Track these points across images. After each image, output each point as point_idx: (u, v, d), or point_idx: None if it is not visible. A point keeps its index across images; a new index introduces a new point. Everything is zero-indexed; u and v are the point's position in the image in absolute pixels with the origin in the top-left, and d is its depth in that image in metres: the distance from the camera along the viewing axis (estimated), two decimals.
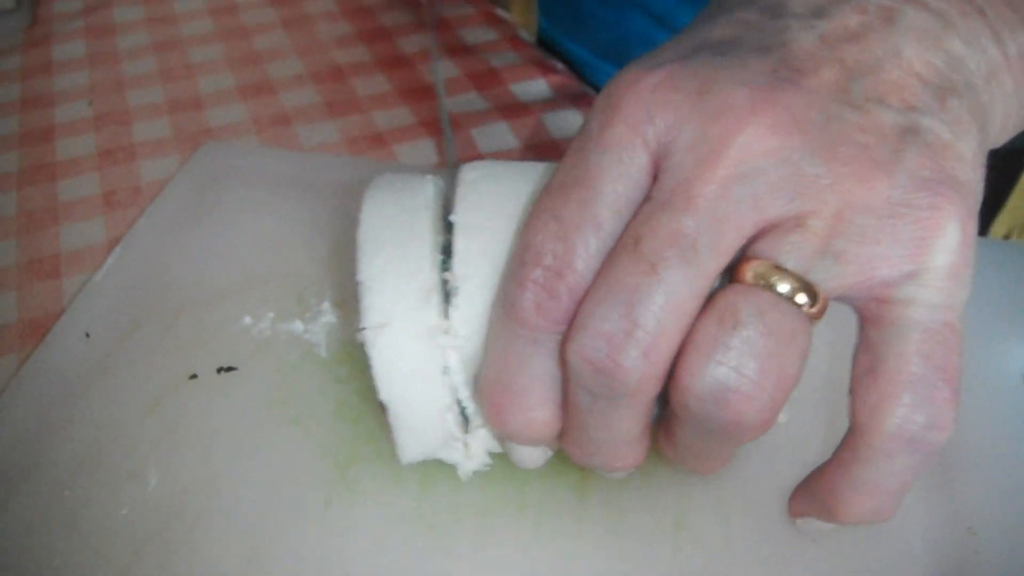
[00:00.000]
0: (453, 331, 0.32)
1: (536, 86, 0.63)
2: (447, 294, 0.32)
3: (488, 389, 0.30)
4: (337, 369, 0.41)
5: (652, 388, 0.26)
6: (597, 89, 0.72)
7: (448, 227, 0.36)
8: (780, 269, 0.25)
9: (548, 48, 0.73)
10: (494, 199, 0.33)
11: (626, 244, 0.26)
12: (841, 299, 0.27)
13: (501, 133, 0.58)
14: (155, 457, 0.38)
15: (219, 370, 0.41)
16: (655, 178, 0.27)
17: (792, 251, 0.25)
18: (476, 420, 0.33)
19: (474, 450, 0.35)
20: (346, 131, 0.59)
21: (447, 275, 0.32)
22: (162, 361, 0.42)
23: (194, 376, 0.41)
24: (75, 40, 0.69)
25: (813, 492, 0.30)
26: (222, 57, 0.67)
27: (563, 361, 0.27)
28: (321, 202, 0.50)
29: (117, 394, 0.40)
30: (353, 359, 0.41)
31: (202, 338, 0.43)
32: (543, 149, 0.57)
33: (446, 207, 0.36)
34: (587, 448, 0.30)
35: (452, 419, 0.33)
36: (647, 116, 0.26)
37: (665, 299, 0.25)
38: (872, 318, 0.27)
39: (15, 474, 0.37)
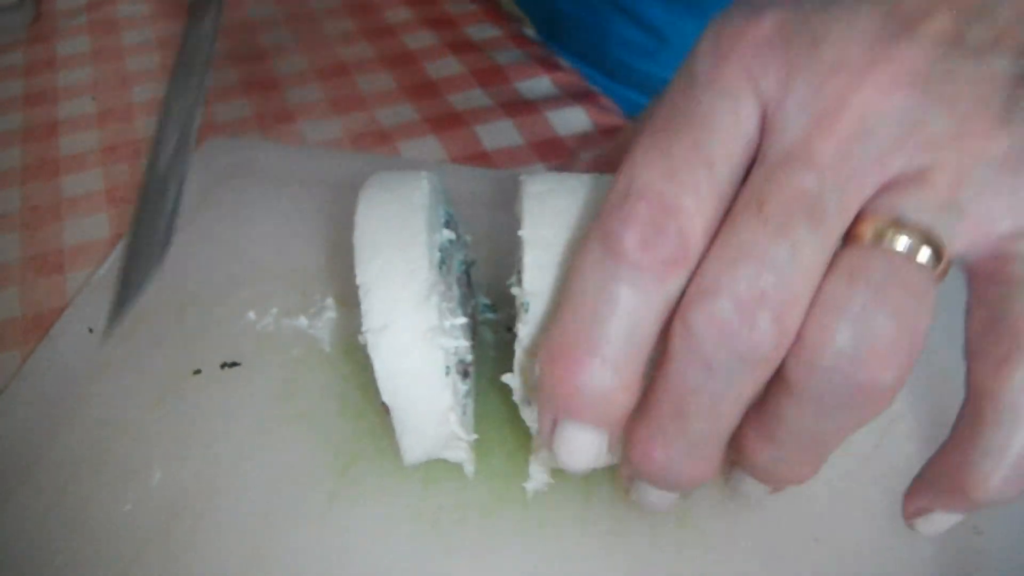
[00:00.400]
0: (521, 344, 0.31)
1: (541, 84, 0.63)
2: (517, 307, 0.32)
3: (567, 342, 0.26)
4: (341, 365, 0.41)
5: (779, 357, 0.25)
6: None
7: (447, 223, 0.36)
8: (903, 224, 0.24)
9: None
10: (562, 213, 0.32)
11: (749, 204, 0.25)
12: (960, 257, 0.26)
13: (506, 130, 0.58)
14: (158, 453, 0.38)
15: (223, 365, 0.41)
16: (764, 134, 0.26)
17: (914, 206, 0.24)
18: (537, 440, 0.33)
19: (534, 471, 0.35)
20: (351, 128, 0.59)
21: (516, 291, 0.32)
22: (166, 356, 0.41)
23: (198, 371, 0.41)
24: (79, 36, 0.68)
25: (935, 479, 0.28)
26: (226, 53, 0.66)
27: (679, 327, 0.25)
28: (325, 197, 0.50)
29: (120, 390, 0.40)
30: (357, 355, 0.41)
31: (206, 333, 0.42)
32: (549, 146, 0.56)
33: (447, 202, 0.36)
34: (670, 447, 0.27)
35: (455, 420, 0.33)
36: (761, 68, 0.25)
37: (796, 262, 0.24)
38: (989, 274, 0.26)
39: (18, 470, 0.37)
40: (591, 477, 0.37)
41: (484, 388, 0.39)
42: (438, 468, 0.37)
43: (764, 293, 0.24)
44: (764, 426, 0.27)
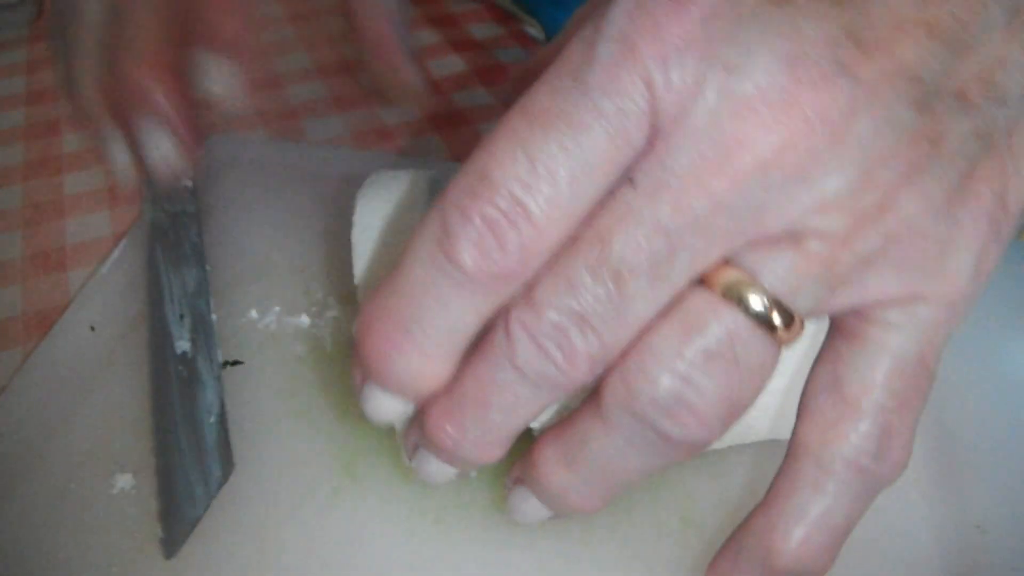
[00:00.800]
0: None
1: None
2: None
3: (383, 320, 0.25)
4: (343, 362, 0.41)
5: (584, 379, 0.24)
6: None
7: None
8: (759, 286, 0.23)
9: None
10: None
11: (596, 235, 0.23)
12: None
13: None
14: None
15: (225, 364, 0.41)
16: (645, 150, 0.23)
17: (779, 271, 0.23)
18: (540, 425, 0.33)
19: None
20: (353, 125, 0.58)
21: None
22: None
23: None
24: None
25: (743, 540, 0.27)
26: None
27: (500, 329, 0.24)
28: (328, 195, 0.50)
29: (122, 387, 0.40)
30: None
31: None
32: None
33: None
34: (464, 427, 0.26)
35: None
36: (665, 77, 0.22)
37: (626, 310, 0.23)
38: (847, 332, 0.25)
39: (21, 467, 0.37)
40: None
41: None
42: None
43: (588, 326, 0.23)
44: (566, 448, 0.26)
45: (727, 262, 0.23)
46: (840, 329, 0.25)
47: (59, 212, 0.52)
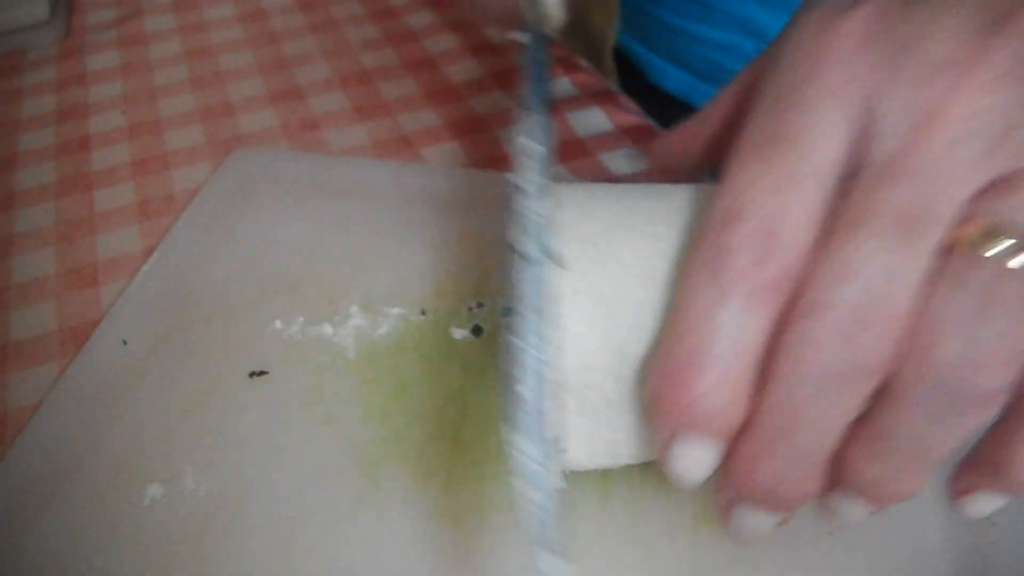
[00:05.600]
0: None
1: (561, 85, 0.63)
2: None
3: (679, 359, 0.26)
4: (365, 370, 0.42)
5: (885, 372, 0.24)
6: (659, 90, 0.72)
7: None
8: (1003, 229, 0.24)
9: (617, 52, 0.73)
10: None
11: (852, 218, 0.24)
12: None
13: None
14: (190, 460, 0.39)
15: (251, 374, 0.42)
16: (863, 139, 0.25)
17: (1017, 209, 0.24)
18: (558, 443, 0.33)
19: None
20: (374, 134, 0.59)
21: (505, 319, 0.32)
22: (196, 366, 0.43)
23: (227, 381, 0.42)
24: (108, 50, 0.70)
25: (981, 460, 0.27)
26: (252, 63, 0.68)
27: (785, 343, 0.25)
28: (350, 205, 0.51)
29: (153, 399, 0.41)
30: (380, 362, 0.42)
31: (234, 343, 0.44)
32: (568, 148, 0.57)
33: None
34: (777, 463, 0.26)
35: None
36: (853, 73, 0.25)
37: (900, 275, 0.24)
38: None
39: (58, 477, 0.38)
40: (608, 476, 0.37)
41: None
42: (458, 470, 0.38)
43: (869, 307, 0.24)
44: (870, 442, 0.26)
45: (970, 219, 0.24)
46: None
47: (90, 229, 0.53)
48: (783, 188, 0.25)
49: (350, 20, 0.73)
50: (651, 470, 0.35)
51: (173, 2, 0.77)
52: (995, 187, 0.24)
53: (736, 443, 0.26)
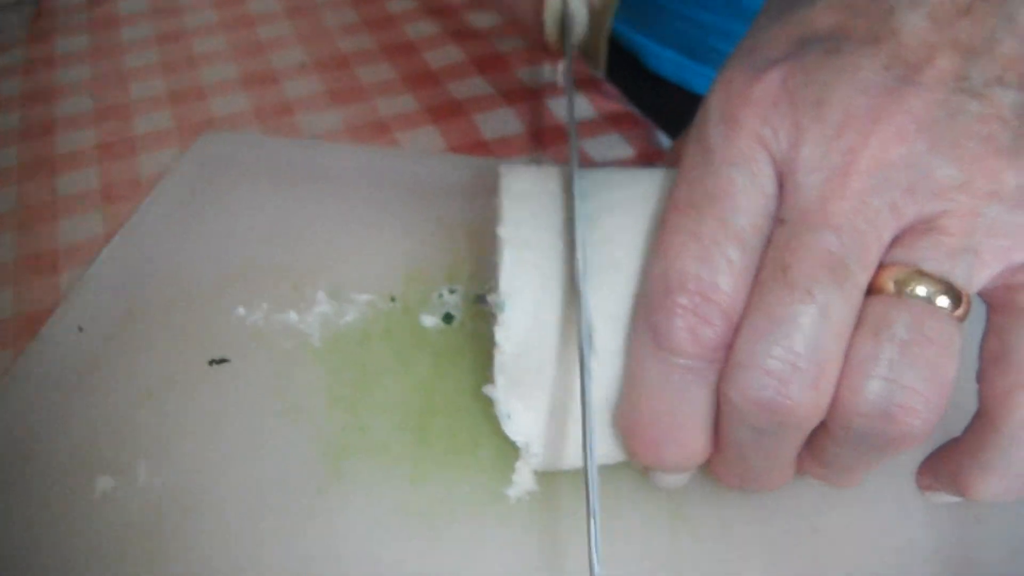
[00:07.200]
0: (499, 348, 0.32)
1: (543, 71, 0.62)
2: (493, 308, 0.32)
3: (641, 425, 0.29)
4: (330, 359, 0.40)
5: (820, 416, 0.26)
6: (658, 77, 0.71)
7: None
8: (920, 273, 0.25)
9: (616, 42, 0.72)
10: (540, 213, 0.33)
11: (774, 272, 0.26)
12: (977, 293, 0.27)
13: (506, 119, 0.57)
14: (145, 450, 0.37)
15: (211, 362, 0.40)
16: (781, 194, 0.27)
17: (931, 254, 0.25)
18: (526, 440, 0.33)
19: (522, 475, 0.35)
20: (349, 119, 0.58)
21: (490, 297, 0.32)
22: (154, 354, 0.41)
23: (186, 369, 0.40)
24: (79, 33, 0.68)
25: (940, 469, 0.29)
26: (226, 47, 0.66)
27: (723, 398, 0.27)
28: (320, 190, 0.49)
29: (108, 388, 0.40)
30: (346, 349, 0.41)
31: (195, 330, 0.42)
32: (550, 134, 0.55)
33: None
34: (743, 475, 0.30)
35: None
36: (771, 132, 0.26)
37: (825, 324, 0.25)
38: (1000, 305, 0.27)
39: (8, 468, 0.37)
40: (579, 473, 0.36)
41: (480, 381, 0.38)
42: (425, 463, 0.36)
43: (796, 360, 0.25)
44: (814, 453, 0.29)
45: (886, 265, 0.26)
46: (995, 306, 0.27)
47: (52, 214, 0.51)
48: (711, 254, 0.26)
49: (328, 4, 0.71)
50: (627, 465, 0.34)
51: None
52: (909, 233, 0.26)
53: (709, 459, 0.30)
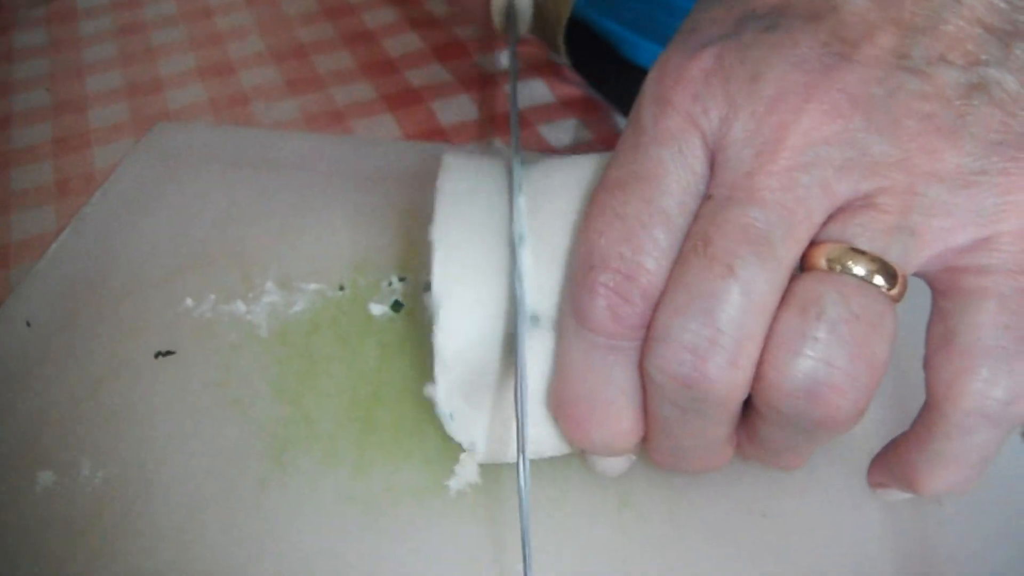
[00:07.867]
0: (438, 354, 0.32)
1: (501, 58, 0.62)
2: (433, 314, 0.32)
3: (568, 404, 0.29)
4: (277, 349, 0.40)
5: (742, 394, 0.25)
6: (632, 65, 0.71)
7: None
8: (854, 251, 0.25)
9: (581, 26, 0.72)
10: (471, 215, 0.33)
11: (696, 246, 0.25)
12: (915, 274, 0.26)
13: (464, 105, 0.57)
14: (87, 445, 0.37)
15: (157, 355, 0.40)
16: (712, 171, 0.26)
17: (865, 231, 0.25)
18: (470, 439, 0.33)
19: (466, 468, 0.35)
20: (305, 108, 0.58)
21: (426, 298, 0.32)
22: (101, 347, 0.41)
23: (132, 362, 0.40)
24: (37, 27, 0.68)
25: (890, 465, 0.29)
26: (184, 39, 0.66)
27: (645, 374, 0.27)
28: (271, 179, 0.49)
29: (53, 383, 0.39)
30: (293, 339, 0.41)
31: (142, 323, 0.42)
32: (503, 120, 0.55)
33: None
34: (676, 455, 0.30)
35: None
36: (701, 108, 0.26)
37: (746, 300, 0.24)
38: (944, 289, 0.26)
39: None
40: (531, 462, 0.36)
41: (428, 369, 0.38)
42: (371, 452, 0.36)
43: (715, 336, 0.24)
44: (748, 434, 0.29)
45: (818, 243, 0.25)
46: (939, 290, 0.26)
47: (5, 209, 0.51)
48: (635, 234, 0.26)
49: None
50: (576, 456, 0.34)
51: None
52: (845, 211, 0.25)
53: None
